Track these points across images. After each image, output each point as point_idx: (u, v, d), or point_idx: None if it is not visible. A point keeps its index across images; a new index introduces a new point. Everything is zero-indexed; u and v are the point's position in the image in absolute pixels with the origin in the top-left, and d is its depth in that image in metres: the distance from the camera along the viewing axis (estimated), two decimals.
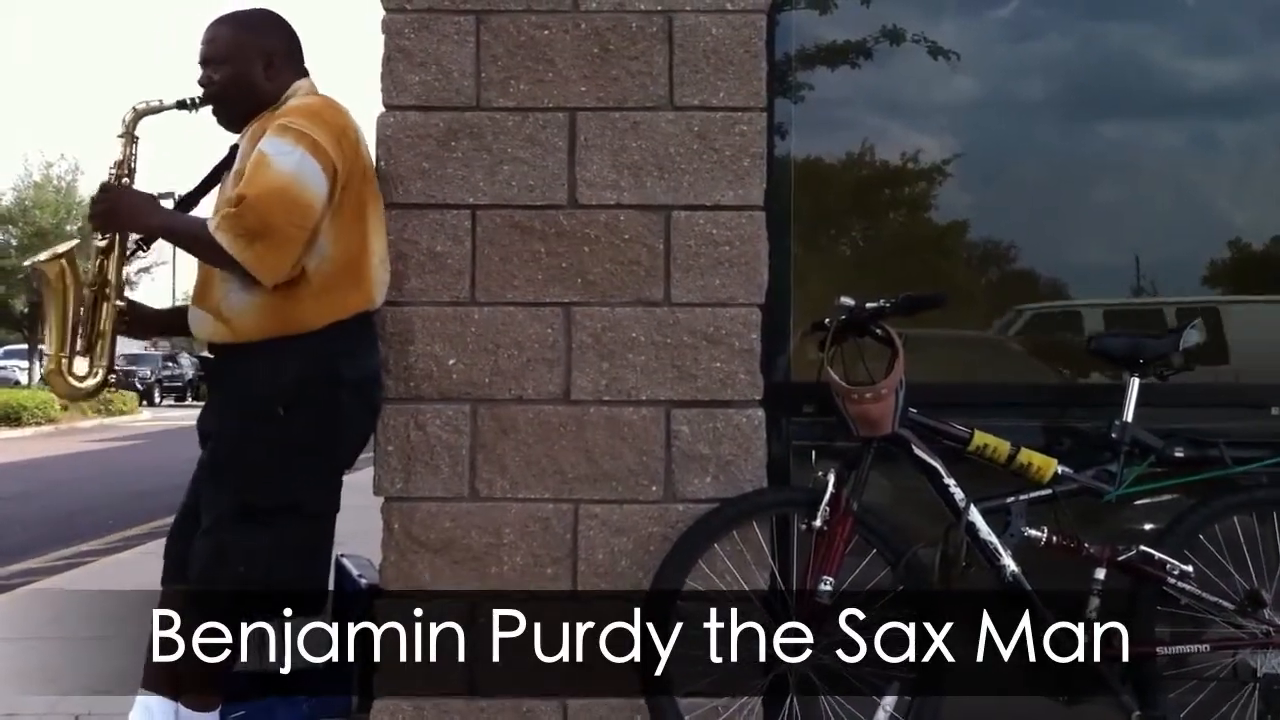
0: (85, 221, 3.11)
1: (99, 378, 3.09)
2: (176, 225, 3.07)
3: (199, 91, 3.11)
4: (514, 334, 3.17)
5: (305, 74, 3.16)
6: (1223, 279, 3.64)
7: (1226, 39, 3.68)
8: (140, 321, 3.23)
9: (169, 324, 3.40)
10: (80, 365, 3.06)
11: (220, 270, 2.97)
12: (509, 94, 3.19)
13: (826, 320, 3.09)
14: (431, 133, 3.18)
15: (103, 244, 3.06)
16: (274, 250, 2.84)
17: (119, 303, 3.08)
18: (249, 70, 3.07)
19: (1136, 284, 3.60)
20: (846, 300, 3.04)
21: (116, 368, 3.09)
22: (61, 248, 3.11)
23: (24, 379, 34.32)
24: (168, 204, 3.13)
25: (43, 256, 3.09)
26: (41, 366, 3.07)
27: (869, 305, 3.03)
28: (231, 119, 3.13)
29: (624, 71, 3.19)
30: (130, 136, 3.09)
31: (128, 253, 3.11)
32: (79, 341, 3.05)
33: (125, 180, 3.08)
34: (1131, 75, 3.67)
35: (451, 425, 3.16)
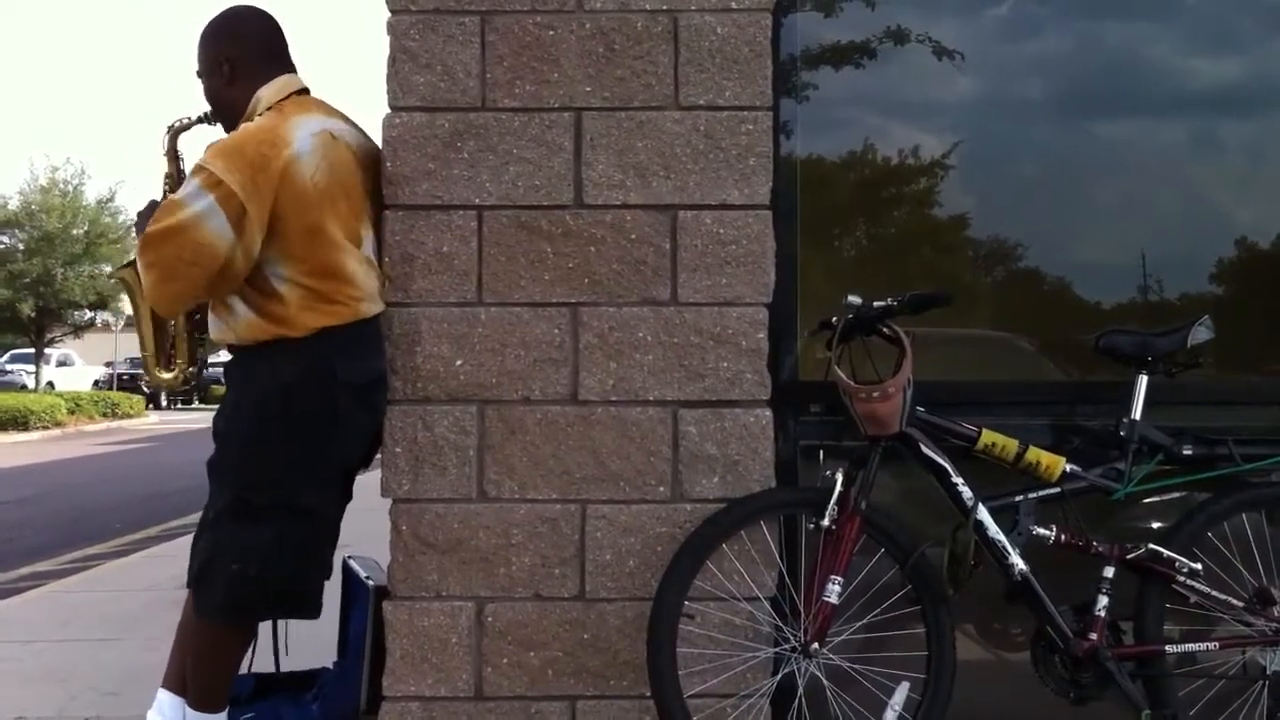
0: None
1: (173, 373, 3.37)
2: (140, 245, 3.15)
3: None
4: (521, 334, 3.17)
5: (279, 72, 3.16)
6: (1225, 277, 3.63)
7: (1228, 37, 3.68)
8: (203, 322, 3.31)
9: None
10: (173, 360, 3.37)
11: None
12: (514, 94, 3.19)
13: (834, 319, 3.09)
14: (437, 134, 3.19)
15: None
16: (164, 284, 2.97)
17: None
18: (215, 82, 3.18)
19: (1142, 281, 3.59)
20: (853, 299, 3.03)
21: (199, 360, 3.45)
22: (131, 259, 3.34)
23: (30, 383, 34.40)
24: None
25: (121, 264, 3.40)
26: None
27: (876, 304, 3.02)
28: (228, 131, 3.16)
29: (629, 71, 3.19)
30: (173, 154, 3.28)
31: None
32: (166, 341, 3.35)
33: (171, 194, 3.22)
34: (1135, 74, 3.66)
35: (459, 426, 3.17)
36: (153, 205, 3.22)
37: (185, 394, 38.78)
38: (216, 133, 3.22)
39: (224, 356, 3.23)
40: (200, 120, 3.27)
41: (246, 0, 3.25)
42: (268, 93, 3.11)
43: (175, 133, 3.28)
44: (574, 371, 3.17)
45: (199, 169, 2.95)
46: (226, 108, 3.16)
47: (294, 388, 2.97)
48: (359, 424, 3.11)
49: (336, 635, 3.56)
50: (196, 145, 3.34)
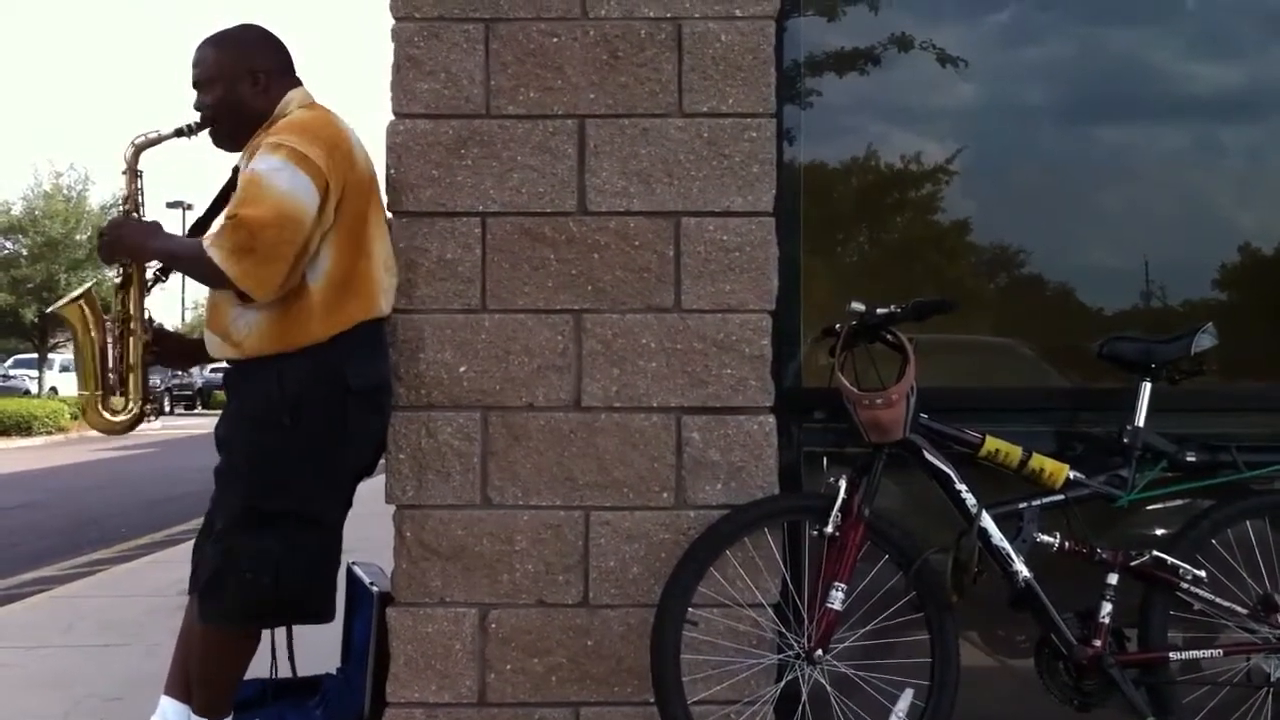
0: (96, 254, 3.17)
1: (132, 412, 3.15)
2: (174, 248, 3.10)
3: (196, 117, 3.15)
4: (524, 341, 3.18)
5: (297, 84, 3.18)
6: (1229, 283, 3.63)
7: (1231, 42, 3.68)
8: (171, 352, 3.28)
9: (200, 352, 3.29)
10: (115, 401, 3.14)
11: (223, 296, 3.01)
12: (518, 101, 3.20)
13: (837, 326, 3.09)
14: (441, 140, 3.19)
15: (119, 279, 3.12)
16: (262, 265, 2.87)
17: (144, 336, 3.13)
18: (237, 90, 3.11)
19: (1146, 287, 3.59)
20: (857, 305, 3.03)
21: (152, 396, 3.20)
22: (76, 291, 3.17)
23: (34, 388, 34.43)
24: (175, 213, 3.19)
25: (61, 302, 3.16)
26: (79, 404, 3.21)
27: (879, 310, 3.02)
28: (227, 140, 3.15)
29: (633, 78, 3.19)
30: (133, 171, 3.13)
31: (147, 285, 3.14)
32: (110, 377, 3.13)
33: (134, 214, 3.14)
34: (1138, 79, 3.66)
35: (463, 433, 3.17)
36: (115, 225, 3.12)
37: (188, 400, 38.82)
38: (188, 148, 3.17)
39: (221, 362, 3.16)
40: (176, 134, 3.13)
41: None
42: (298, 94, 3.14)
43: (140, 148, 3.13)
44: (577, 378, 3.17)
45: (277, 146, 2.91)
46: (245, 116, 3.10)
47: (304, 395, 2.96)
48: (370, 430, 3.11)
49: (340, 641, 3.56)
50: (152, 163, 3.15)
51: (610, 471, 3.16)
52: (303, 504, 3.00)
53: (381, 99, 3.30)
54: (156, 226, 3.13)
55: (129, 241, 3.09)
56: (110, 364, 3.13)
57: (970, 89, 3.63)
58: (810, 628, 2.97)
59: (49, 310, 3.36)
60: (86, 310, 3.13)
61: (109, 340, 3.13)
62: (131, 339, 3.12)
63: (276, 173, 2.88)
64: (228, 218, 2.90)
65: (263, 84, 3.11)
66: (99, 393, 3.12)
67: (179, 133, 3.13)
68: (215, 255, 2.86)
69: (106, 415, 3.14)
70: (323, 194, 2.91)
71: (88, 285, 3.17)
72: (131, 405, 3.14)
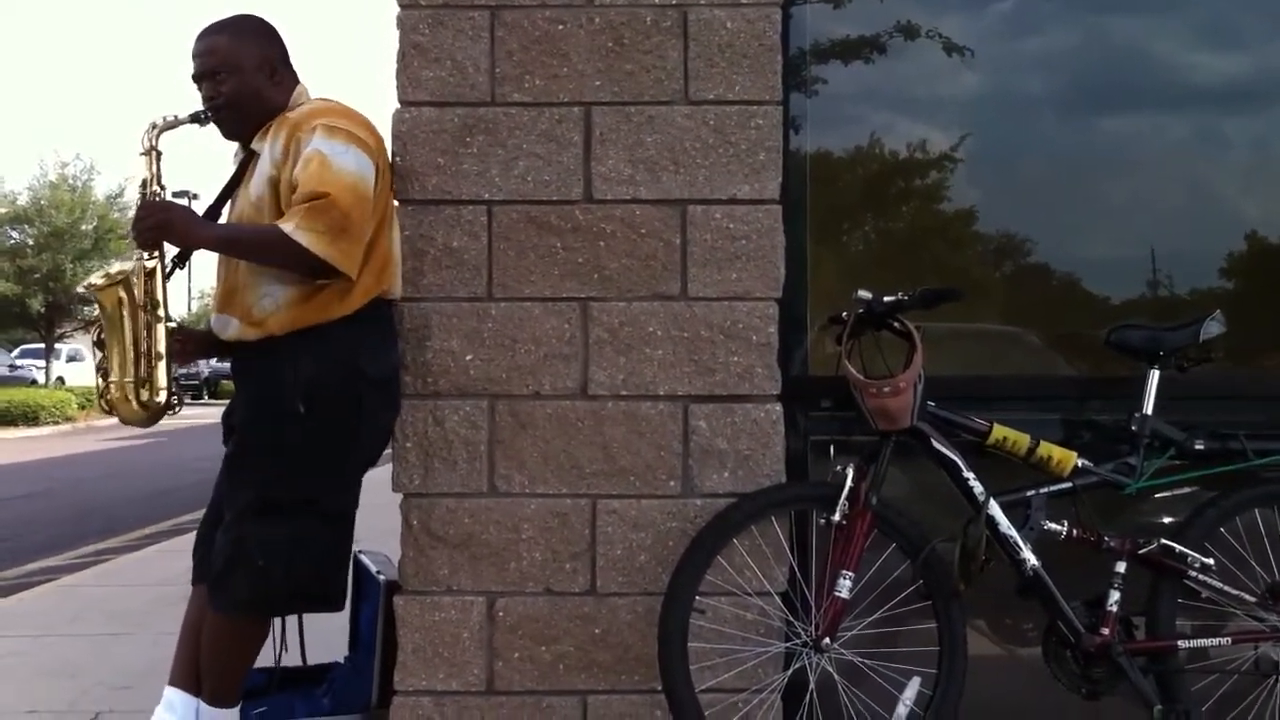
0: (134, 239, 3.02)
1: (162, 399, 3.04)
2: (233, 234, 3.06)
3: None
4: (531, 329, 3.17)
5: (297, 77, 3.19)
6: (1236, 271, 3.62)
7: (1236, 31, 3.66)
8: (190, 342, 3.23)
9: (214, 344, 3.23)
10: (143, 390, 3.04)
11: (252, 277, 2.99)
12: (524, 89, 3.19)
13: (844, 314, 3.09)
14: (447, 128, 3.19)
15: (152, 264, 3.01)
16: (354, 244, 2.91)
17: (169, 323, 3.05)
18: (254, 79, 3.09)
19: (1152, 277, 3.58)
20: (864, 293, 3.03)
21: (174, 388, 3.08)
22: (114, 268, 3.07)
23: (41, 378, 34.48)
24: (180, 203, 3.16)
25: (98, 281, 3.04)
26: (103, 393, 3.08)
27: (886, 299, 3.02)
28: (238, 130, 3.12)
29: (639, 66, 3.19)
30: (154, 153, 3.07)
31: (166, 271, 3.07)
32: (141, 366, 3.02)
33: (159, 195, 3.06)
34: (1144, 68, 3.65)
35: (469, 421, 3.17)
36: (160, 208, 3.00)
37: (195, 389, 38.86)
38: (192, 138, 3.13)
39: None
40: (192, 120, 3.09)
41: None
42: (304, 88, 3.16)
43: (161, 130, 3.08)
44: (584, 366, 3.17)
45: (333, 129, 2.93)
46: (261, 106, 3.08)
47: (319, 381, 2.94)
48: (383, 420, 3.11)
49: (348, 629, 3.57)
50: (172, 146, 3.03)
51: (617, 460, 3.16)
52: (315, 493, 2.99)
53: (367, 90, 3.30)
54: (194, 213, 3.10)
55: (178, 227, 2.97)
56: (140, 352, 3.02)
57: (975, 78, 3.61)
58: (818, 616, 2.97)
59: (84, 285, 3.15)
60: (124, 295, 3.01)
61: (138, 327, 3.02)
62: (159, 326, 3.03)
63: (342, 155, 2.91)
64: (311, 198, 2.84)
65: (278, 75, 3.11)
66: (130, 381, 3.01)
67: (194, 118, 3.10)
68: (305, 239, 2.82)
69: (137, 406, 3.03)
70: (376, 175, 2.97)
71: (128, 268, 3.03)
72: (159, 393, 3.04)
